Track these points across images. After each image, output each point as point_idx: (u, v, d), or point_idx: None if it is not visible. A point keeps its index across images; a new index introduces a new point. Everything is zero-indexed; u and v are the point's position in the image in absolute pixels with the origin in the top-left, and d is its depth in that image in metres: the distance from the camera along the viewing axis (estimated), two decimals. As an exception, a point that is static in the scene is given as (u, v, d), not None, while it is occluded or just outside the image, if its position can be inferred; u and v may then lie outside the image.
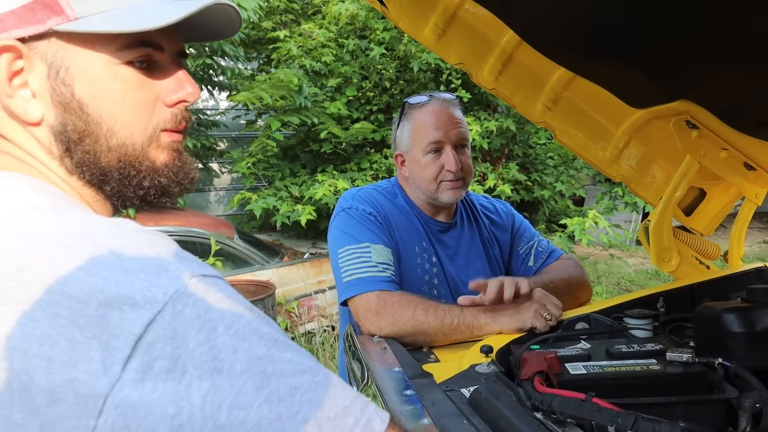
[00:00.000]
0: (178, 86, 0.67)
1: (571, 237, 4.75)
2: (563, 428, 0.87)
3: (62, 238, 0.54)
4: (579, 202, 8.17)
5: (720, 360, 1.06)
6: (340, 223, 1.54)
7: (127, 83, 0.63)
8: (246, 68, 7.06)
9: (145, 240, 0.55)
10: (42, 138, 0.63)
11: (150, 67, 0.65)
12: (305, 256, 5.00)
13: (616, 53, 1.35)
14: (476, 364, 1.16)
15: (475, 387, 1.04)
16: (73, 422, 0.47)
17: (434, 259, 1.58)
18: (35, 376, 0.48)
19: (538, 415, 0.90)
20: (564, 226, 4.95)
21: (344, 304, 1.48)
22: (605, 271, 6.99)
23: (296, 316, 4.49)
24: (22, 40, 0.59)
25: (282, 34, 6.21)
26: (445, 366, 1.23)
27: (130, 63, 0.63)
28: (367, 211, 1.52)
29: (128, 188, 0.66)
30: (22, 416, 0.48)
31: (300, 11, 7.18)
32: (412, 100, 1.59)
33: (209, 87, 6.30)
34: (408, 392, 1.05)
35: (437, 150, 1.53)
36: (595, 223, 4.42)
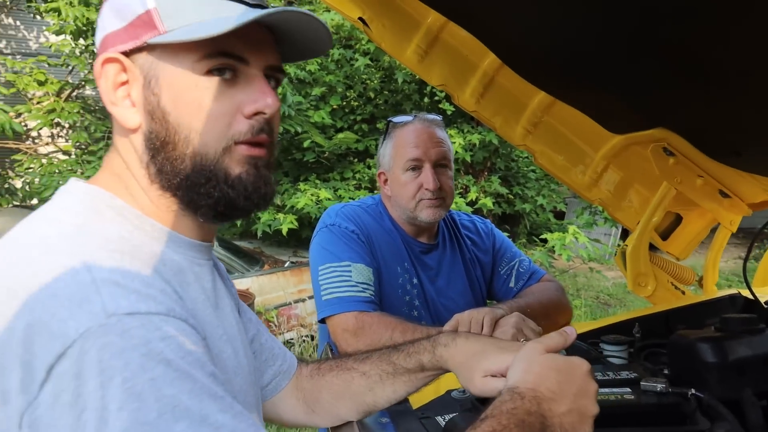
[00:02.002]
0: (258, 97, 0.67)
1: (552, 251, 4.79)
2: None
3: (27, 253, 0.58)
4: (560, 215, 8.25)
5: (693, 391, 1.07)
6: (322, 239, 1.52)
7: (204, 93, 0.65)
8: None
9: (93, 262, 0.56)
10: (137, 145, 0.68)
11: (233, 79, 0.66)
12: (286, 265, 4.97)
13: (595, 80, 1.36)
14: (452, 390, 1.15)
15: (451, 416, 1.04)
16: (11, 428, 0.52)
17: (415, 281, 1.57)
18: None
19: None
20: (545, 241, 4.99)
21: (322, 321, 1.47)
22: (584, 285, 7.05)
23: (275, 325, 4.46)
24: (125, 53, 0.66)
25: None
26: (421, 391, 1.22)
27: (210, 73, 0.65)
28: (350, 229, 1.51)
29: (199, 197, 0.67)
30: None
31: (286, 19, 7.15)
32: (396, 119, 1.59)
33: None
34: (383, 420, 1.05)
35: (416, 168, 1.52)
36: (575, 238, 4.46)
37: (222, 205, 0.68)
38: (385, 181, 1.61)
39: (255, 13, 0.63)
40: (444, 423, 1.02)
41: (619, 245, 7.51)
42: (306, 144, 5.71)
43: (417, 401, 1.12)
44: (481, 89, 1.51)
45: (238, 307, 0.89)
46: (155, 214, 0.69)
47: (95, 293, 0.53)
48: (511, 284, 1.70)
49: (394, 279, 1.54)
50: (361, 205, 1.63)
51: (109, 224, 0.64)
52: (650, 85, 1.30)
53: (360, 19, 1.42)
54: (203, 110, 0.65)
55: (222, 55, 0.65)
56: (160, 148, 0.66)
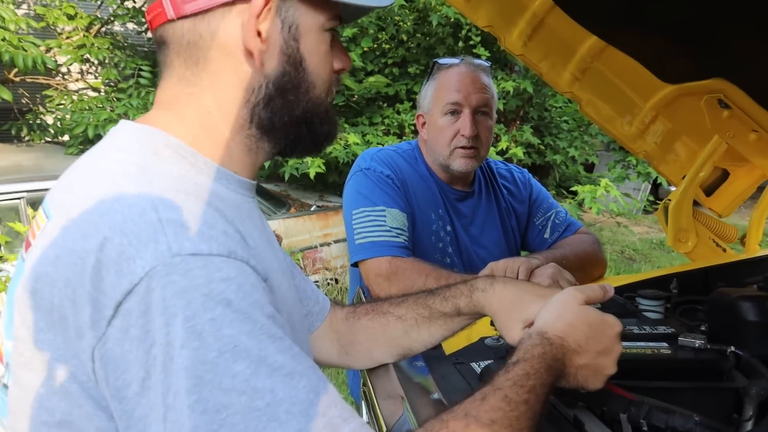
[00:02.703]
0: (344, 58, 0.76)
1: (581, 204, 4.72)
2: (573, 411, 0.87)
3: (96, 191, 0.59)
4: (589, 167, 8.09)
5: (732, 348, 1.06)
6: (356, 183, 1.52)
7: (326, 47, 0.72)
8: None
9: (160, 202, 0.57)
10: (252, 82, 0.69)
11: (333, 41, 0.74)
12: (312, 209, 5.00)
13: (655, 24, 1.29)
14: (486, 337, 1.16)
15: (486, 363, 1.05)
16: (85, 360, 0.54)
17: (449, 228, 1.56)
18: (67, 314, 0.55)
19: (554, 399, 0.90)
20: (575, 193, 4.91)
21: (354, 265, 1.48)
22: (610, 239, 7.00)
23: (301, 267, 4.54)
24: None
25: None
26: (455, 336, 1.23)
27: (328, 31, 0.72)
28: (385, 174, 1.50)
29: (308, 134, 0.74)
30: (63, 342, 0.56)
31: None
32: (442, 60, 1.55)
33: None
34: (418, 363, 1.06)
35: (455, 112, 1.48)
36: (607, 191, 4.38)
37: (320, 139, 0.76)
38: (423, 124, 1.58)
39: None
40: (479, 369, 1.03)
41: (649, 200, 7.41)
42: (335, 87, 5.63)
43: (450, 347, 1.13)
44: (530, 31, 1.45)
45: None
46: (214, 152, 0.69)
47: (161, 233, 0.54)
48: (546, 235, 1.68)
49: (428, 225, 1.54)
50: (397, 150, 1.61)
51: (169, 163, 0.64)
52: (714, 33, 1.23)
53: (406, -47, 1.36)
54: (324, 62, 0.72)
55: (338, 18, 0.72)
56: (291, 89, 0.70)
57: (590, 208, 4.57)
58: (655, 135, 1.58)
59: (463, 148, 1.47)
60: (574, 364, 0.73)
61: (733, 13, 1.14)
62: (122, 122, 0.70)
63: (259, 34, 0.66)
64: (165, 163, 0.64)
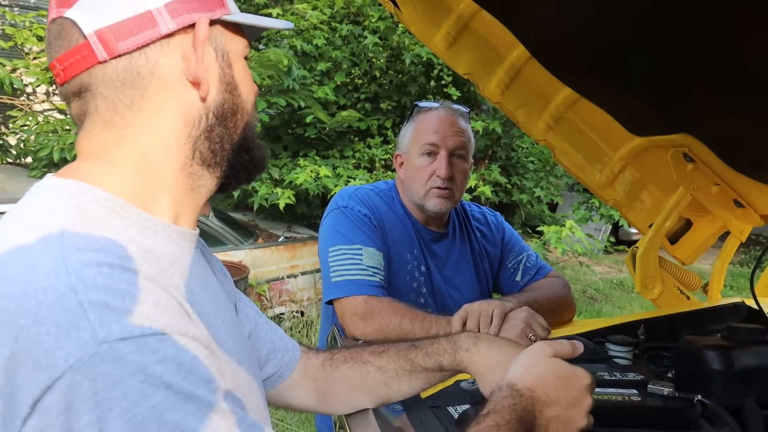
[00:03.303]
0: (253, 82, 0.76)
1: (547, 244, 4.82)
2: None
3: (7, 269, 0.53)
4: (553, 207, 8.28)
5: (699, 397, 1.09)
6: (334, 220, 1.52)
7: (249, 73, 0.74)
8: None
9: (79, 281, 0.52)
10: (193, 114, 0.68)
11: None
12: (280, 239, 4.96)
13: (622, 80, 1.36)
14: (461, 380, 1.16)
15: (462, 407, 1.05)
16: None
17: (423, 268, 1.57)
18: None
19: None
20: (540, 233, 5.01)
21: (329, 303, 1.47)
22: (572, 278, 7.13)
23: (267, 299, 4.47)
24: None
25: (275, 11, 6.09)
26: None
27: (246, 59, 0.74)
28: (363, 212, 1.51)
29: (246, 161, 0.73)
30: None
31: (295, -11, 7.04)
32: (422, 103, 1.59)
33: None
34: (396, 407, 1.05)
35: (432, 153, 1.52)
36: (572, 232, 4.49)
37: (259, 163, 0.75)
38: (401, 164, 1.61)
39: (269, 21, 0.73)
40: (456, 414, 1.03)
41: (610, 241, 7.58)
42: (308, 119, 5.65)
43: (426, 391, 1.12)
44: (507, 81, 1.50)
45: (235, 299, 0.89)
46: (150, 199, 0.66)
47: (83, 318, 0.49)
48: (518, 278, 1.71)
49: (403, 265, 1.55)
50: (374, 189, 1.63)
51: (94, 222, 0.59)
52: (678, 91, 1.29)
53: (392, 0, 1.40)
54: (250, 86, 0.74)
55: (249, 44, 0.74)
56: (227, 117, 0.70)
57: (555, 248, 4.66)
58: (624, 184, 1.63)
59: (438, 188, 1.50)
60: (544, 416, 0.74)
61: (696, 72, 1.21)
62: (47, 176, 0.65)
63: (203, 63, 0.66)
64: (89, 224, 0.58)
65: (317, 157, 5.85)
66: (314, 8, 6.25)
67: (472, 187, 5.66)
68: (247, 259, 4.35)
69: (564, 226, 4.55)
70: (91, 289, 0.51)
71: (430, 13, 1.42)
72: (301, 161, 5.45)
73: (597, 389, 1.10)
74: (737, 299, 1.59)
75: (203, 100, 0.67)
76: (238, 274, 3.78)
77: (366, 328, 1.36)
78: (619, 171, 1.61)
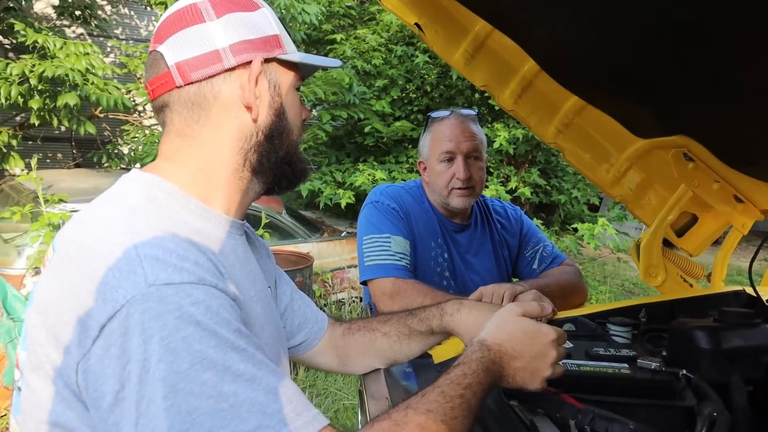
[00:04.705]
0: (305, 109, 0.84)
1: (581, 239, 4.69)
2: (533, 417, 0.90)
3: (91, 230, 0.64)
4: (594, 208, 8.00)
5: (684, 371, 1.07)
6: (367, 213, 1.59)
7: (298, 100, 0.81)
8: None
9: (142, 239, 0.60)
10: (246, 134, 0.75)
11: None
12: (342, 234, 5.07)
13: (624, 87, 1.34)
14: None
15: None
16: (71, 374, 0.58)
17: (446, 255, 1.61)
18: (60, 334, 0.59)
19: (513, 403, 0.93)
20: (576, 230, 4.88)
21: (364, 284, 1.53)
22: (612, 273, 6.85)
23: (330, 285, 4.58)
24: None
25: (339, 36, 6.23)
26: (444, 348, 1.26)
27: (297, 88, 0.81)
28: (392, 206, 1.56)
29: (288, 171, 0.80)
30: (58, 356, 0.59)
31: (357, 17, 7.18)
32: (435, 114, 1.62)
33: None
34: (407, 370, 1.10)
35: (450, 159, 1.55)
36: (604, 229, 4.34)
37: (299, 174, 0.82)
38: (425, 169, 1.65)
39: (319, 59, 0.81)
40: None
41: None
42: (367, 129, 5.76)
43: (439, 357, 1.16)
44: (519, 91, 1.50)
45: (275, 277, 0.96)
46: (207, 195, 0.74)
47: (139, 266, 0.57)
48: (534, 266, 1.71)
49: (428, 252, 1.59)
50: (404, 187, 1.68)
51: (160, 205, 0.68)
52: (675, 97, 1.27)
53: (416, 24, 1.44)
54: (298, 114, 0.81)
55: (302, 78, 0.81)
56: (277, 136, 0.76)
57: (588, 244, 4.53)
58: (630, 182, 1.60)
59: (459, 189, 1.54)
60: (512, 367, 0.77)
61: (690, 79, 1.18)
62: (133, 170, 0.75)
63: (255, 92, 0.73)
64: (156, 205, 0.68)
65: (375, 163, 5.94)
66: (373, 32, 6.35)
67: (513, 188, 5.59)
68: (314, 251, 4.48)
69: (597, 223, 4.41)
70: (148, 245, 0.59)
71: (449, 34, 1.45)
72: (361, 166, 5.57)
73: (591, 362, 1.11)
74: (738, 287, 1.53)
75: (255, 121, 0.74)
76: (304, 262, 3.91)
77: (393, 305, 1.42)
78: (625, 170, 1.58)
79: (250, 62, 0.73)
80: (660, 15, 1.00)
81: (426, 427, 0.63)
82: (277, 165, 0.78)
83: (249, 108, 0.73)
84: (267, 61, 0.75)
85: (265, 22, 0.75)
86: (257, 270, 0.82)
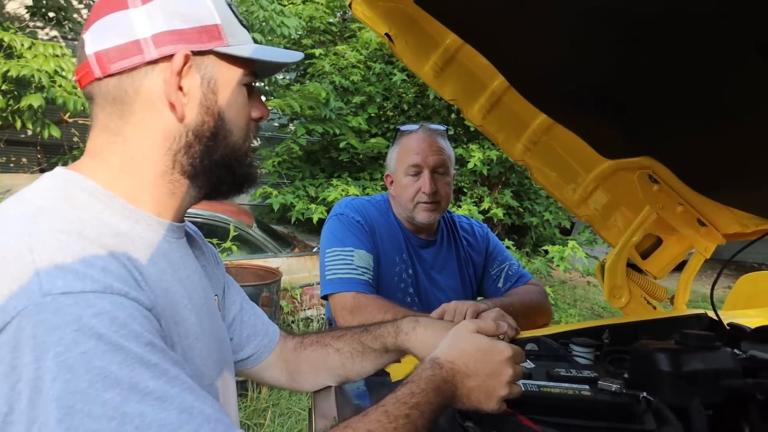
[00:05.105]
0: (260, 107, 0.77)
1: (551, 261, 4.72)
2: (487, 439, 0.86)
3: None
4: (566, 231, 8.11)
5: (644, 394, 1.06)
6: (331, 226, 1.55)
7: (242, 99, 0.73)
8: (284, 78, 7.11)
9: (40, 242, 0.55)
10: (174, 134, 0.69)
11: (251, 90, 0.75)
12: (314, 250, 5.01)
13: (592, 107, 1.35)
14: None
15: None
16: None
17: (410, 271, 1.57)
18: None
19: (469, 425, 0.89)
20: (547, 252, 4.92)
21: (324, 298, 1.48)
22: (582, 296, 6.93)
23: (299, 302, 4.51)
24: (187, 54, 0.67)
25: (318, 51, 6.24)
26: (403, 367, 1.22)
27: (245, 85, 0.73)
28: (356, 219, 1.53)
29: (228, 176, 0.74)
30: None
31: (337, 33, 7.22)
32: (404, 127, 1.60)
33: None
34: (361, 387, 1.06)
35: (416, 173, 1.53)
36: (574, 252, 4.39)
37: (240, 180, 0.75)
38: (391, 182, 1.62)
39: (272, 53, 0.74)
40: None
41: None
42: (342, 145, 5.75)
43: (397, 375, 1.12)
44: (488, 107, 1.50)
45: (224, 285, 0.91)
46: (134, 195, 0.68)
47: (33, 273, 0.52)
48: (500, 284, 1.69)
49: (392, 267, 1.55)
50: (371, 200, 1.65)
51: (77, 205, 0.63)
52: (642, 118, 1.28)
53: (386, 34, 1.43)
54: (241, 112, 0.73)
55: (254, 74, 0.74)
56: (209, 137, 0.70)
57: (558, 266, 4.56)
58: (596, 203, 1.60)
59: (424, 203, 1.51)
60: (465, 386, 0.73)
61: (656, 101, 1.19)
62: (56, 168, 0.69)
63: (180, 88, 0.67)
64: (71, 205, 0.62)
65: (350, 179, 5.92)
66: (353, 49, 6.38)
67: (486, 209, 5.62)
68: (284, 266, 4.41)
69: (566, 246, 4.45)
70: (45, 250, 0.54)
71: (419, 46, 1.44)
72: (335, 181, 5.53)
73: (552, 384, 1.08)
74: (700, 311, 1.53)
75: (181, 120, 0.68)
76: (272, 277, 3.83)
77: (353, 320, 1.37)
78: (591, 190, 1.58)
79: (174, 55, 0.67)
80: (629, 33, 1.00)
81: None
82: (212, 169, 0.72)
83: (173, 106, 0.67)
84: (200, 53, 0.68)
85: (203, 11, 0.68)
86: (197, 277, 0.76)
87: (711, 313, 1.48)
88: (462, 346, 0.77)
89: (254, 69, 0.74)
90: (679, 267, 1.72)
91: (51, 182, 0.65)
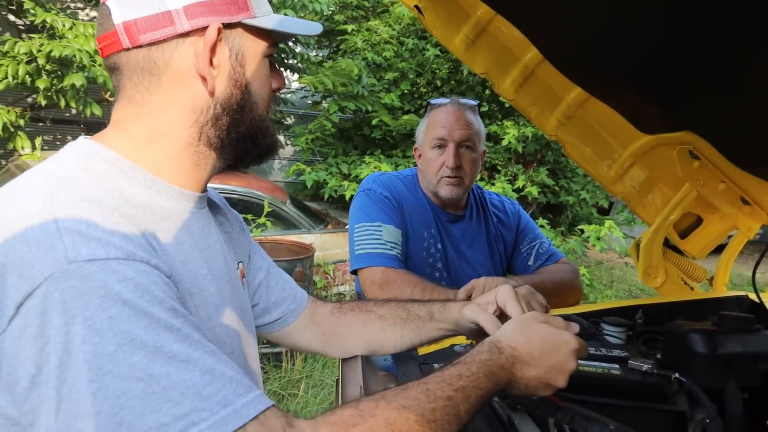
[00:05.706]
0: (278, 77, 0.77)
1: (586, 241, 4.62)
2: (511, 413, 0.87)
3: (10, 201, 0.58)
4: (604, 211, 7.90)
5: (676, 375, 1.04)
6: (359, 201, 1.55)
7: (266, 70, 0.74)
8: (317, 55, 7.09)
9: (64, 211, 0.55)
10: (201, 103, 0.69)
11: (271, 62, 0.76)
12: (346, 227, 5.05)
13: (631, 79, 1.29)
14: (456, 344, 1.16)
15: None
16: None
17: (439, 246, 1.57)
18: None
19: (495, 399, 0.90)
20: (583, 231, 4.82)
21: (354, 272, 1.50)
22: (619, 277, 6.77)
23: (332, 277, 4.57)
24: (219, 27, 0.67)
25: (351, 27, 6.19)
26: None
27: (267, 56, 0.74)
28: (384, 195, 1.53)
29: (252, 147, 0.74)
30: None
31: (370, 8, 7.13)
32: (434, 101, 1.58)
33: (281, 68, 6.37)
34: (388, 359, 1.07)
35: (441, 146, 1.51)
36: (611, 232, 4.28)
37: (264, 151, 0.76)
38: (419, 156, 1.62)
39: (296, 25, 0.75)
40: (439, 370, 1.04)
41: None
42: (375, 122, 5.73)
43: (423, 350, 1.13)
44: (521, 80, 1.46)
45: (250, 252, 0.92)
46: (157, 167, 0.68)
47: (59, 241, 0.53)
48: (530, 262, 1.67)
49: (420, 242, 1.55)
50: (398, 175, 1.64)
51: (98, 175, 0.63)
52: (683, 91, 1.22)
53: (416, 6, 1.40)
54: (265, 84, 0.74)
55: (275, 44, 0.74)
56: (237, 109, 0.70)
57: (594, 246, 4.46)
58: (633, 179, 1.55)
59: (448, 177, 1.50)
60: (525, 375, 0.71)
61: (699, 74, 1.13)
62: (80, 138, 0.69)
63: (211, 61, 0.66)
64: (92, 175, 0.62)
65: (382, 156, 5.90)
66: (386, 24, 6.30)
67: (521, 187, 5.52)
68: (317, 242, 4.46)
69: (603, 225, 4.34)
70: (69, 218, 0.55)
71: (450, 18, 1.41)
72: (367, 158, 5.53)
73: (581, 362, 1.07)
74: (741, 293, 1.48)
75: (211, 94, 0.68)
76: (305, 253, 3.89)
77: (382, 295, 1.38)
78: (628, 167, 1.53)
79: (206, 28, 0.66)
80: (670, 2, 0.96)
81: (395, 425, 0.57)
82: (239, 141, 0.72)
83: (204, 79, 0.67)
84: (229, 26, 0.68)
85: None
86: (218, 246, 0.77)
87: (753, 296, 1.42)
88: (528, 333, 0.74)
89: (274, 40, 0.74)
90: (719, 249, 1.65)
91: (73, 153, 0.66)
